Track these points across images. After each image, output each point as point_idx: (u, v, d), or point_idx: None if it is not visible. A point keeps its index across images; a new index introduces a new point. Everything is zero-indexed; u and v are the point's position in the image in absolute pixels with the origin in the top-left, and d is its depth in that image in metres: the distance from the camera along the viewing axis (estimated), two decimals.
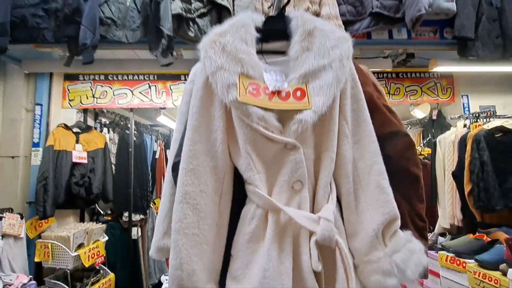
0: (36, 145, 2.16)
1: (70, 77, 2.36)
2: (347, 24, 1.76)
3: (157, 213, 2.72)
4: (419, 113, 2.80)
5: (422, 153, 2.77)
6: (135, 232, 2.52)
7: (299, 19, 0.77)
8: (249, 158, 0.69)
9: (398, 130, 0.78)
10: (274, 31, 0.80)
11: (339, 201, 0.74)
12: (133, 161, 2.58)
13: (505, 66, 1.94)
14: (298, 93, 0.72)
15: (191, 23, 1.70)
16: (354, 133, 0.75)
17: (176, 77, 2.39)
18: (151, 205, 2.93)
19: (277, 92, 0.71)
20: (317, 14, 1.69)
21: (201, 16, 1.69)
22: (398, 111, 3.06)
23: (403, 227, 0.71)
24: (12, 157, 2.14)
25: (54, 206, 2.06)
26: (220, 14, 1.67)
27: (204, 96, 0.71)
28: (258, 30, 0.78)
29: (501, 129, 1.97)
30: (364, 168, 0.73)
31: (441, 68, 2.08)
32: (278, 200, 0.68)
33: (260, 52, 0.79)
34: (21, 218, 1.95)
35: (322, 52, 0.72)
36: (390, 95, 2.55)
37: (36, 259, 1.99)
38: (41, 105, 2.19)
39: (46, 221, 2.10)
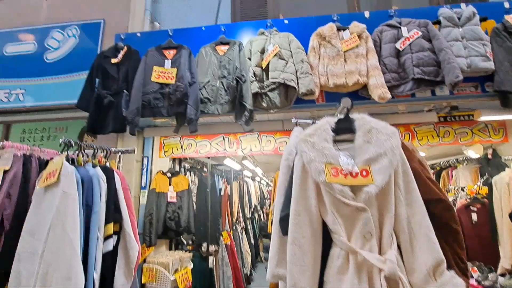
0: (143, 188, 2.82)
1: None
2: (392, 88, 2.10)
3: (225, 244, 3.17)
4: (473, 153, 2.88)
5: (480, 192, 2.80)
6: (212, 261, 2.97)
7: (360, 121, 1.18)
8: (333, 216, 1.07)
9: (439, 198, 1.09)
10: (343, 128, 1.21)
11: (399, 247, 1.06)
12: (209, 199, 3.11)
13: None
14: (364, 173, 1.10)
15: (264, 96, 2.22)
16: (406, 198, 1.09)
17: None
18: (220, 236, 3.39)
19: (349, 173, 1.10)
20: (365, 84, 2.10)
21: (271, 90, 2.21)
22: (451, 149, 3.17)
23: (449, 267, 1.01)
24: None
25: (156, 236, 2.63)
26: (287, 88, 2.16)
27: (302, 175, 1.14)
28: (332, 128, 1.20)
29: None
30: (415, 223, 1.05)
31: (486, 118, 2.25)
32: (355, 245, 1.03)
33: (334, 141, 1.20)
34: None
35: (378, 144, 1.10)
36: (440, 138, 2.72)
37: (143, 281, 2.52)
38: (147, 157, 2.89)
39: (149, 249, 2.66)
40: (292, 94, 2.12)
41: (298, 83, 2.09)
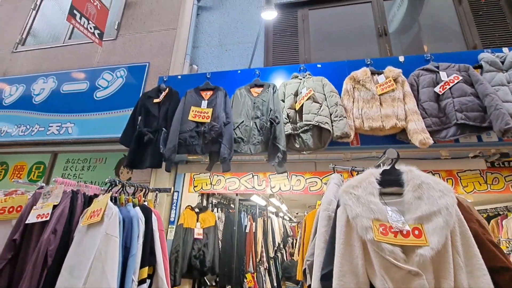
0: (172, 223, 2.83)
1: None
2: (434, 133, 2.01)
3: (248, 287, 2.96)
4: None
5: None
6: None
7: (408, 174, 1.12)
8: (383, 280, 0.97)
9: (506, 266, 0.96)
10: (389, 180, 1.15)
11: None
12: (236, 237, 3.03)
13: None
14: (416, 232, 1.01)
15: (296, 137, 2.23)
16: (466, 264, 0.97)
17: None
18: (244, 279, 3.22)
19: (400, 231, 1.01)
20: (403, 129, 2.03)
21: (304, 132, 2.21)
22: (499, 196, 2.86)
23: None
24: None
25: (180, 276, 2.56)
26: (321, 130, 2.16)
27: (347, 231, 1.07)
28: (378, 180, 1.15)
29: None
30: None
31: None
32: None
33: (380, 194, 1.14)
34: None
35: (431, 201, 1.03)
36: (488, 185, 2.50)
37: None
38: (178, 191, 2.93)
39: None
40: (326, 136, 2.11)
41: (332, 126, 2.08)
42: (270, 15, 2.74)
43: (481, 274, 0.95)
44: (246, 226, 3.73)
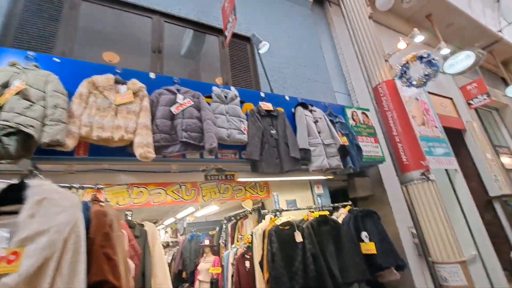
0: None
1: None
2: (162, 148, 2.17)
3: None
4: (246, 206, 3.43)
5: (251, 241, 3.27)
6: None
7: (34, 189, 0.99)
8: None
9: (105, 279, 1.01)
10: (11, 197, 0.98)
11: None
12: None
13: (283, 178, 2.81)
14: (13, 257, 0.87)
15: None
16: (69, 282, 0.93)
17: None
18: None
19: None
20: (131, 142, 2.05)
21: (8, 134, 1.72)
22: (236, 203, 3.53)
23: None
24: None
25: None
26: (29, 136, 1.76)
27: None
28: None
29: (287, 224, 2.68)
30: None
31: (241, 179, 2.78)
32: None
33: None
34: None
35: (44, 220, 0.94)
36: (221, 194, 3.07)
37: None
38: None
39: None
40: (32, 142, 1.74)
41: (43, 130, 1.75)
42: None
43: None
44: None
